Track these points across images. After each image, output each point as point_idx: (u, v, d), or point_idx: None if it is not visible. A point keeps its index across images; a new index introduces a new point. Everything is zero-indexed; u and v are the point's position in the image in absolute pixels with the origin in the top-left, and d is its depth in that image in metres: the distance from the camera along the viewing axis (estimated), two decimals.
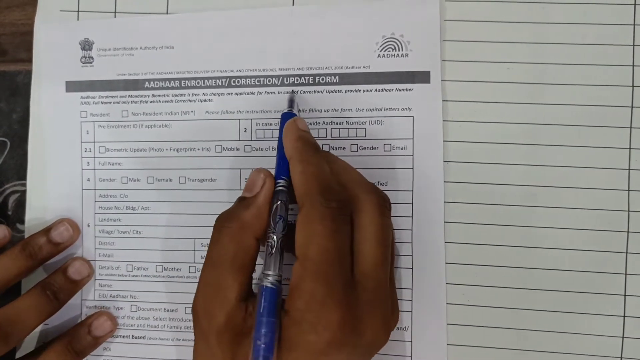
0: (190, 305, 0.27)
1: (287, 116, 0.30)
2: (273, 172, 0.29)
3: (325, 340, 0.24)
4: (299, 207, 0.26)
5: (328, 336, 0.24)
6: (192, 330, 0.27)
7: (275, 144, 0.33)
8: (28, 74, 0.36)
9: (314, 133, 0.33)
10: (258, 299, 0.25)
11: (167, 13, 0.35)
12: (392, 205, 0.31)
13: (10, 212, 0.37)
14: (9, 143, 0.37)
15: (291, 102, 0.32)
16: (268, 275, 0.25)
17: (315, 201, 0.25)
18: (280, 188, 0.28)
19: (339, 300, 0.24)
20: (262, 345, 0.24)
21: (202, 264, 0.34)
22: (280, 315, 0.25)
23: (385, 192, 0.32)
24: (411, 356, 0.32)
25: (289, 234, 0.27)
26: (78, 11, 0.35)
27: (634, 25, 0.32)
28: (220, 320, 0.25)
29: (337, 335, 0.24)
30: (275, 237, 0.26)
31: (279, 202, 0.27)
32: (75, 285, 0.34)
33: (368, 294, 0.25)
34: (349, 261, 0.25)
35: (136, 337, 0.34)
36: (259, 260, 0.27)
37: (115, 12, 0.35)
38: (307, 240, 0.25)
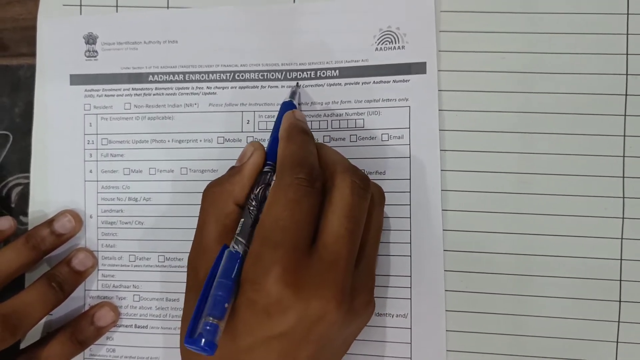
0: None
1: (286, 105, 0.32)
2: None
3: (264, 298, 0.24)
4: (275, 179, 0.28)
5: (268, 295, 0.24)
6: None
7: None
8: (30, 68, 0.37)
9: (315, 124, 0.34)
10: (223, 260, 0.26)
11: (167, 7, 0.36)
12: (390, 193, 0.32)
13: (13, 205, 0.37)
14: (11, 137, 0.37)
15: (293, 94, 0.33)
16: (238, 240, 0.26)
17: (285, 173, 0.27)
18: (267, 169, 0.29)
19: (283, 264, 0.24)
20: (215, 302, 0.24)
21: None
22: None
23: (383, 180, 0.33)
24: (410, 343, 0.33)
25: None
26: (80, 5, 0.36)
27: (628, 14, 0.33)
28: (201, 275, 0.27)
29: (278, 296, 0.24)
30: (254, 211, 0.27)
31: (263, 184, 0.28)
32: (80, 276, 0.34)
33: (323, 264, 0.25)
34: (307, 231, 0.26)
35: (139, 327, 0.35)
36: None
37: (117, 6, 0.36)
38: (268, 207, 0.26)
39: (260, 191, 0.28)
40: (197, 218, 0.29)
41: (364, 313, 0.28)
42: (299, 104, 0.34)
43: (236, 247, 0.26)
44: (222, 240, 0.27)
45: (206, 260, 0.27)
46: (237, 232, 0.27)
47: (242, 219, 0.27)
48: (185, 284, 0.29)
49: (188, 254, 0.29)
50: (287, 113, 0.31)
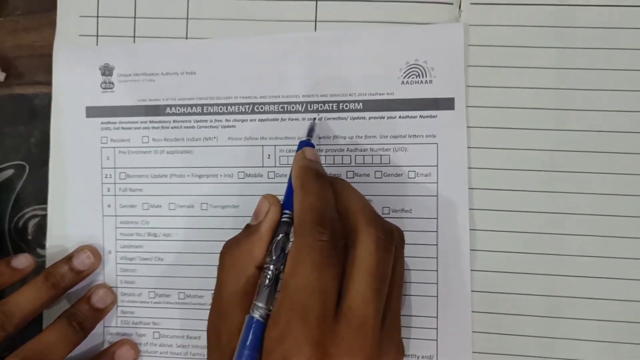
0: None
1: (303, 144, 0.30)
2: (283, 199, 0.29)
3: None
4: (294, 237, 0.26)
5: None
6: None
7: None
8: (46, 96, 0.36)
9: (338, 159, 0.33)
10: (244, 329, 0.25)
11: (186, 38, 0.34)
12: (416, 233, 0.31)
13: (30, 237, 0.36)
14: (27, 167, 0.36)
15: (310, 131, 0.32)
16: (258, 306, 0.25)
17: (307, 233, 0.25)
18: (285, 219, 0.28)
19: (312, 334, 0.23)
20: None
21: None
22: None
23: (409, 219, 0.32)
24: (436, 340, 0.32)
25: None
26: (97, 36, 0.35)
27: None
28: (224, 340, 0.26)
29: None
30: (272, 268, 0.26)
31: (281, 234, 0.27)
32: (100, 314, 0.34)
33: (351, 330, 0.24)
34: (333, 295, 0.25)
35: None
36: None
37: (134, 37, 0.35)
38: (292, 270, 0.25)
39: (277, 245, 0.27)
40: (216, 277, 0.28)
41: None
42: (319, 138, 0.33)
43: (258, 312, 0.25)
44: (242, 303, 0.26)
45: (227, 323, 0.26)
46: (256, 297, 0.26)
47: (262, 282, 0.26)
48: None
49: (209, 292, 0.28)
50: (297, 155, 0.29)
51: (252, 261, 0.27)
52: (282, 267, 0.26)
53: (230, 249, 0.28)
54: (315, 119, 0.33)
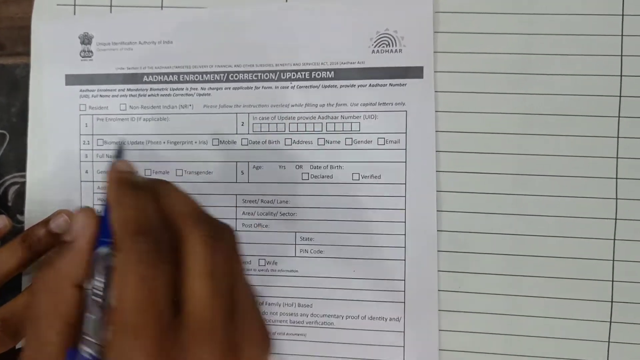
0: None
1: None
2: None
3: None
4: (116, 254, 0.23)
5: None
6: None
7: (271, 137, 0.34)
8: (26, 67, 0.37)
9: (310, 126, 0.34)
10: None
11: (161, 7, 0.35)
12: (386, 197, 0.32)
13: (10, 204, 0.37)
14: (8, 136, 0.37)
15: (119, 152, 0.29)
16: (84, 338, 0.22)
17: (126, 247, 0.23)
18: (104, 249, 0.24)
19: (149, 351, 0.21)
20: None
21: None
22: None
23: (378, 184, 0.33)
24: (404, 346, 0.33)
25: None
26: (74, 5, 0.36)
27: (622, 15, 0.33)
28: None
29: None
30: (96, 292, 0.23)
31: (103, 254, 0.24)
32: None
33: (196, 336, 0.22)
34: (168, 305, 0.22)
35: None
36: None
37: (111, 6, 0.36)
38: (118, 290, 0.22)
39: (99, 266, 0.23)
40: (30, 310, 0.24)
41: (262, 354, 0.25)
42: (292, 106, 0.34)
43: (87, 349, 0.22)
44: (64, 333, 0.23)
45: (51, 356, 0.23)
46: (83, 330, 0.22)
47: (86, 313, 0.23)
48: None
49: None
50: (109, 169, 0.26)
51: (68, 280, 0.24)
52: (104, 287, 0.23)
53: (44, 273, 0.24)
54: (121, 140, 0.33)
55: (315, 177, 0.34)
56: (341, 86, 0.34)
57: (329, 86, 0.34)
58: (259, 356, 0.25)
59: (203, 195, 0.34)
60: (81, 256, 0.24)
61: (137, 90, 0.35)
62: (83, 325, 0.22)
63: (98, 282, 0.23)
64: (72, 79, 0.36)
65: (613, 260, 0.33)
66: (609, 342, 0.33)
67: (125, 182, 0.26)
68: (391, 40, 0.33)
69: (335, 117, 0.34)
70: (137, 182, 0.26)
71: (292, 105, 0.34)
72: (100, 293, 0.23)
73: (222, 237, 0.25)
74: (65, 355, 0.22)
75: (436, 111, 0.33)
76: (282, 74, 0.34)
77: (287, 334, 0.34)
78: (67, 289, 0.23)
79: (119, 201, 0.25)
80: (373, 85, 0.33)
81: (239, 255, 0.26)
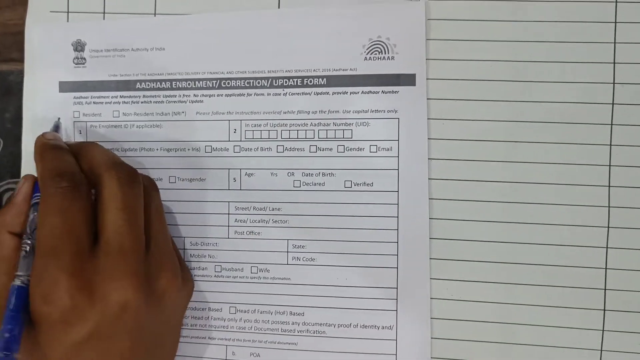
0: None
1: None
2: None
3: (59, 309, 0.25)
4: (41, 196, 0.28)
5: (61, 304, 0.25)
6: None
7: (263, 144, 0.34)
8: (20, 73, 0.37)
9: (302, 134, 0.34)
10: (9, 296, 0.26)
11: (154, 14, 0.35)
12: (378, 205, 0.32)
13: None
14: (2, 142, 0.37)
15: (56, 128, 0.34)
16: (19, 275, 0.27)
17: (47, 187, 0.27)
18: (37, 200, 0.29)
19: (68, 269, 0.25)
20: (7, 335, 0.25)
21: (191, 262, 0.34)
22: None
23: (370, 192, 0.33)
24: (396, 354, 0.33)
25: None
26: (68, 12, 0.36)
27: (615, 22, 0.32)
28: None
29: (72, 303, 0.25)
30: (30, 242, 0.28)
31: (35, 213, 0.28)
32: None
33: (109, 258, 0.26)
34: (84, 233, 0.27)
35: None
36: None
37: (104, 13, 0.36)
38: (41, 221, 0.27)
39: (33, 221, 0.28)
40: None
41: (173, 292, 0.29)
42: (283, 112, 0.34)
43: (19, 280, 0.26)
44: (7, 273, 0.27)
45: None
46: (16, 269, 0.27)
47: (21, 256, 0.27)
48: None
49: None
50: (36, 139, 0.31)
51: (4, 228, 0.28)
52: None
53: None
54: (59, 118, 0.35)
55: (308, 184, 0.34)
56: (333, 93, 0.34)
57: (321, 93, 0.34)
58: (171, 286, 0.29)
59: (196, 202, 0.34)
60: (17, 208, 0.29)
61: (130, 97, 0.35)
62: (17, 266, 0.27)
63: (30, 228, 0.28)
64: (66, 86, 0.36)
65: (606, 268, 0.33)
66: (601, 350, 0.33)
67: (49, 144, 0.30)
68: (383, 48, 0.33)
69: (328, 124, 0.34)
70: (60, 145, 0.31)
71: (285, 112, 0.34)
72: (28, 240, 0.28)
73: (135, 180, 0.29)
74: (11, 289, 0.26)
75: (429, 118, 0.33)
76: (274, 80, 0.34)
77: (278, 342, 0.34)
78: (5, 234, 0.28)
79: (42, 157, 0.29)
80: (365, 93, 0.33)
81: (158, 198, 0.31)
